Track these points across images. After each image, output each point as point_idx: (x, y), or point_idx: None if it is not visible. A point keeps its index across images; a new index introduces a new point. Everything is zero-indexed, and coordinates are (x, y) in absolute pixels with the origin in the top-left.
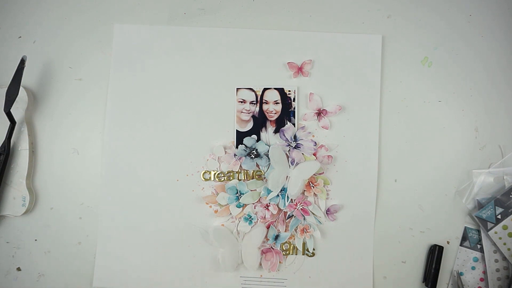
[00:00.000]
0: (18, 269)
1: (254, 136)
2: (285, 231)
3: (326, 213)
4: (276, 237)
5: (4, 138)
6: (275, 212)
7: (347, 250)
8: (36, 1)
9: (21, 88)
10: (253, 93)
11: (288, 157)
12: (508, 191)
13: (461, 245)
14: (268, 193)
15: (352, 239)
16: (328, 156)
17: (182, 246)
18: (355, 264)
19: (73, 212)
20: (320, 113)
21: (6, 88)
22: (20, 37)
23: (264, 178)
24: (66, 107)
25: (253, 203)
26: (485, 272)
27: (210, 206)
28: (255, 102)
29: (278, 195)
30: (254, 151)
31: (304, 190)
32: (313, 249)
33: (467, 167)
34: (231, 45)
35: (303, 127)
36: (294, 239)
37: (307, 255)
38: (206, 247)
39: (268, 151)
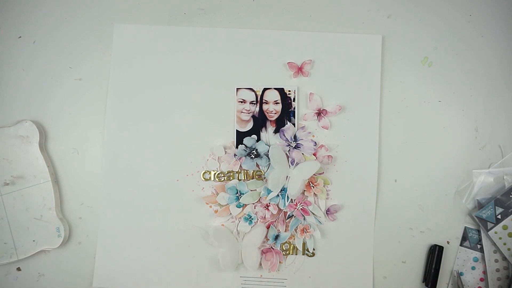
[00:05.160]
0: (18, 269)
1: (254, 136)
2: (285, 231)
3: (326, 213)
4: (276, 237)
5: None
6: (275, 212)
7: (347, 250)
8: (36, 1)
9: (31, 123)
10: (253, 93)
11: (288, 157)
12: (508, 191)
13: (461, 245)
14: (268, 193)
15: (352, 239)
16: (328, 156)
17: (182, 246)
18: (355, 264)
19: (73, 212)
20: (320, 113)
21: (11, 127)
22: (20, 37)
23: (264, 178)
24: (66, 107)
25: (253, 203)
26: (485, 272)
27: (210, 206)
28: (255, 102)
29: (278, 195)
30: (254, 151)
31: (304, 190)
32: (313, 249)
33: (467, 167)
34: (231, 45)
35: (303, 127)
36: (294, 239)
37: (307, 255)
38: (206, 247)
39: (268, 151)
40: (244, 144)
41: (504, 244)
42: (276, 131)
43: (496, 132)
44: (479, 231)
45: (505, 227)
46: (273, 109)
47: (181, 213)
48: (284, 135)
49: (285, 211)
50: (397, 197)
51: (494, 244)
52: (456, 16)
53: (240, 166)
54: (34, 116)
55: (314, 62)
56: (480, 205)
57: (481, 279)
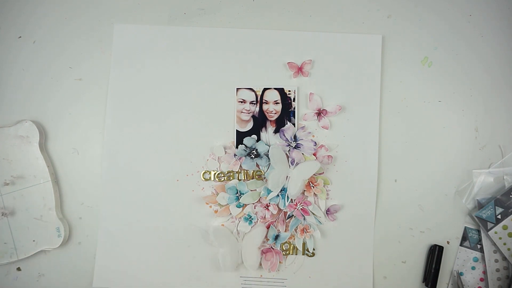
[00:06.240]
0: (18, 269)
1: (254, 136)
2: (285, 231)
3: (326, 213)
4: (276, 237)
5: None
6: (275, 212)
7: (347, 250)
8: (36, 1)
9: (31, 123)
10: (253, 93)
11: (288, 157)
12: (508, 191)
13: (461, 245)
14: (268, 193)
15: (352, 239)
16: (328, 156)
17: (182, 246)
18: (355, 264)
19: (73, 212)
20: (320, 113)
21: (11, 127)
22: (20, 37)
23: (264, 178)
24: (66, 107)
25: (253, 203)
26: (485, 272)
27: (210, 206)
28: (255, 102)
29: (278, 195)
30: (254, 151)
31: (304, 190)
32: (313, 249)
33: (467, 167)
34: (231, 45)
35: (303, 127)
36: (294, 239)
37: (307, 255)
38: (206, 247)
39: (268, 151)
40: (244, 144)
41: (504, 244)
42: (276, 131)
43: (496, 132)
44: (479, 231)
45: (505, 227)
46: (273, 109)
47: (181, 213)
48: (284, 135)
49: (285, 211)
50: (397, 197)
51: (494, 244)
52: (456, 16)
53: (240, 166)
54: (34, 116)
55: (314, 62)
56: (480, 205)
57: (481, 279)
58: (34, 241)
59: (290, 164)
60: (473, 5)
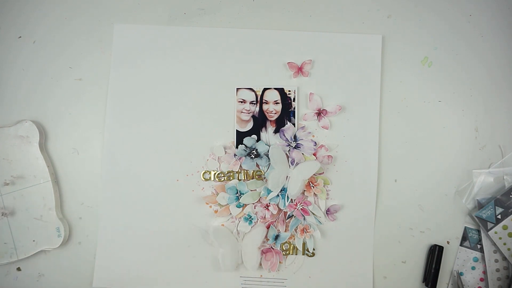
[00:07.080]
0: (18, 269)
1: (254, 136)
2: (285, 231)
3: (326, 213)
4: (276, 237)
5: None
6: (275, 212)
7: (347, 250)
8: (36, 1)
9: (31, 123)
10: (253, 93)
11: (288, 157)
12: (508, 191)
13: (461, 245)
14: (268, 193)
15: (352, 239)
16: (328, 156)
17: (182, 246)
18: (355, 264)
19: (73, 212)
20: (320, 113)
21: (11, 127)
22: (20, 37)
23: (264, 178)
24: (66, 107)
25: (253, 203)
26: (485, 272)
27: (210, 206)
28: (255, 102)
29: (278, 195)
30: (254, 151)
31: (304, 190)
32: (313, 249)
33: (467, 167)
34: (231, 45)
35: (303, 127)
36: (294, 239)
37: (307, 255)
38: (206, 247)
39: (268, 151)
40: (244, 144)
41: (504, 244)
42: (276, 131)
43: (496, 132)
44: (479, 231)
45: (505, 227)
46: (273, 109)
47: (181, 213)
48: (284, 135)
49: (285, 211)
50: (397, 197)
51: (494, 244)
52: (456, 16)
53: (240, 166)
54: (34, 116)
55: (314, 62)
56: (480, 205)
57: (481, 279)
58: (34, 241)
59: (290, 164)
60: (473, 5)
